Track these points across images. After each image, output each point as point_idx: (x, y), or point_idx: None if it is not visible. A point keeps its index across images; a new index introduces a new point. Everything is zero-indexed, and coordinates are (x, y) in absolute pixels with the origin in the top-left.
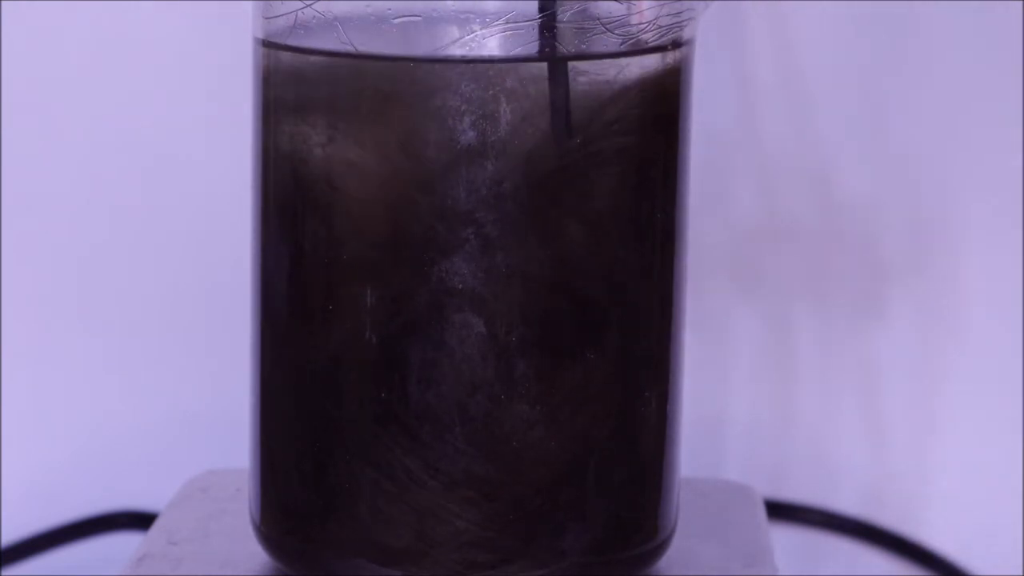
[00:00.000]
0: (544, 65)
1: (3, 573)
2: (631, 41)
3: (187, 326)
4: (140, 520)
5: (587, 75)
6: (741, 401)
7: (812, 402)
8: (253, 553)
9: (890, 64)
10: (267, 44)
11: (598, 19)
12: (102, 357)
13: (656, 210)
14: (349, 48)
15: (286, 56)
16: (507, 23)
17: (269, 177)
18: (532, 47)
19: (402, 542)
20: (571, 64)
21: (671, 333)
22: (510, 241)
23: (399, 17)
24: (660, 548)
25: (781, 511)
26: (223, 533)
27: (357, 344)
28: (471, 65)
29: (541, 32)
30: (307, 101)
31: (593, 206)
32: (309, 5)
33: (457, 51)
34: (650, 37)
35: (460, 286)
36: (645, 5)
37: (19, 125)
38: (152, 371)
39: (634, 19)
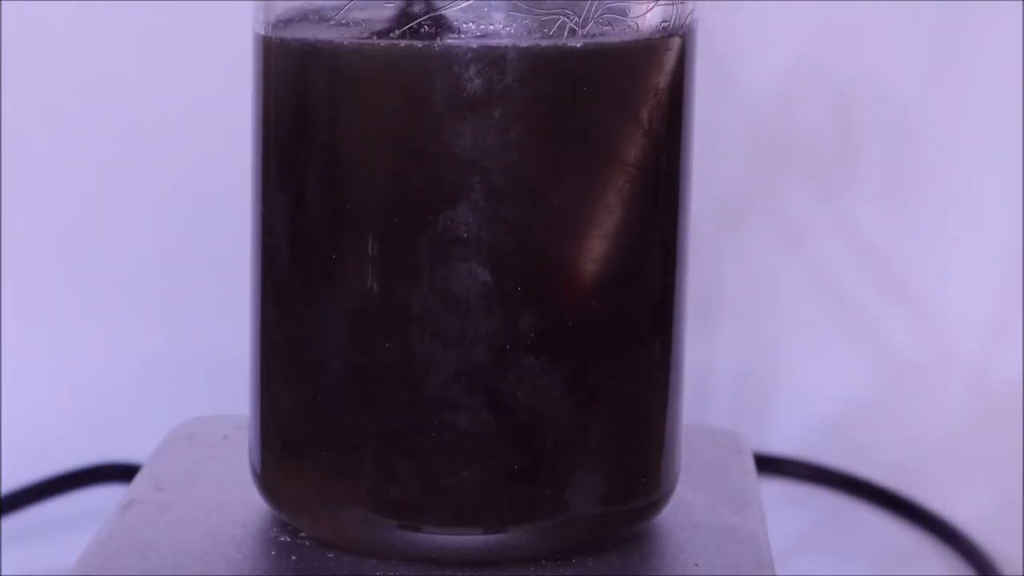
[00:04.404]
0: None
1: None
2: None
3: (171, 275)
4: (124, 472)
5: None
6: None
7: (797, 351)
8: (243, 499)
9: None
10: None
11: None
12: (82, 311)
13: (661, 159)
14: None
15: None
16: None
17: (269, 117)
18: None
19: (406, 494)
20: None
21: (675, 283)
22: (515, 190)
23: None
24: (663, 499)
25: (766, 464)
26: (211, 479)
27: (360, 295)
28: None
29: None
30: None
31: (598, 155)
32: None
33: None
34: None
35: (465, 235)
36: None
37: (13, 96)
38: (134, 324)
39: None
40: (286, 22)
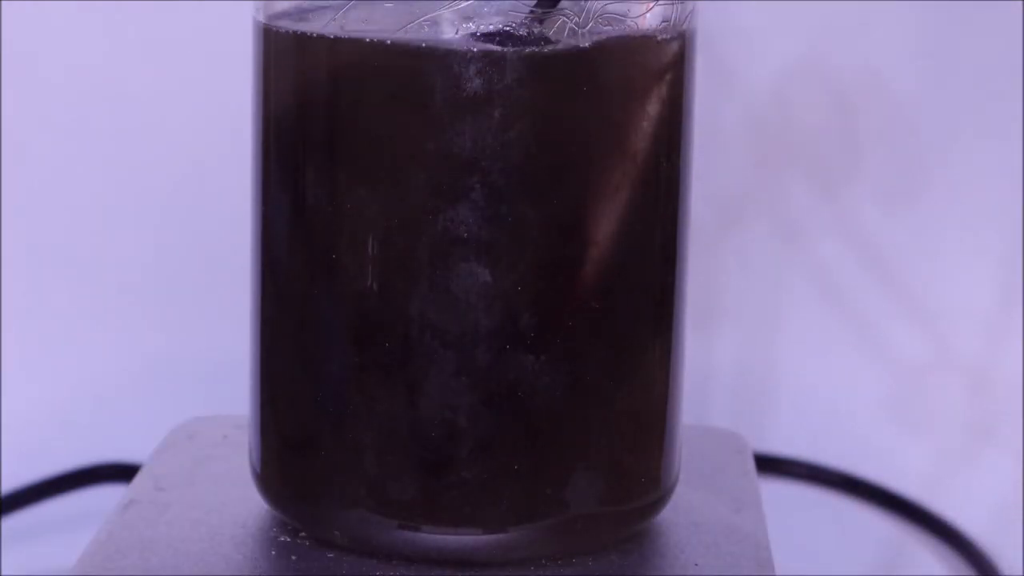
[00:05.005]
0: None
1: None
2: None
3: (171, 275)
4: (124, 472)
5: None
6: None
7: (798, 352)
8: (243, 499)
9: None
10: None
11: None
12: (82, 311)
13: (661, 158)
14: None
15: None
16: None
17: (270, 119)
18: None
19: (405, 494)
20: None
21: (675, 283)
22: (515, 190)
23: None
24: (663, 499)
25: (766, 464)
26: (211, 479)
27: (360, 294)
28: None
29: None
30: (310, 61)
31: (598, 155)
32: None
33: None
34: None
35: (465, 235)
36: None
37: (13, 96)
38: (134, 324)
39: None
40: (287, 15)
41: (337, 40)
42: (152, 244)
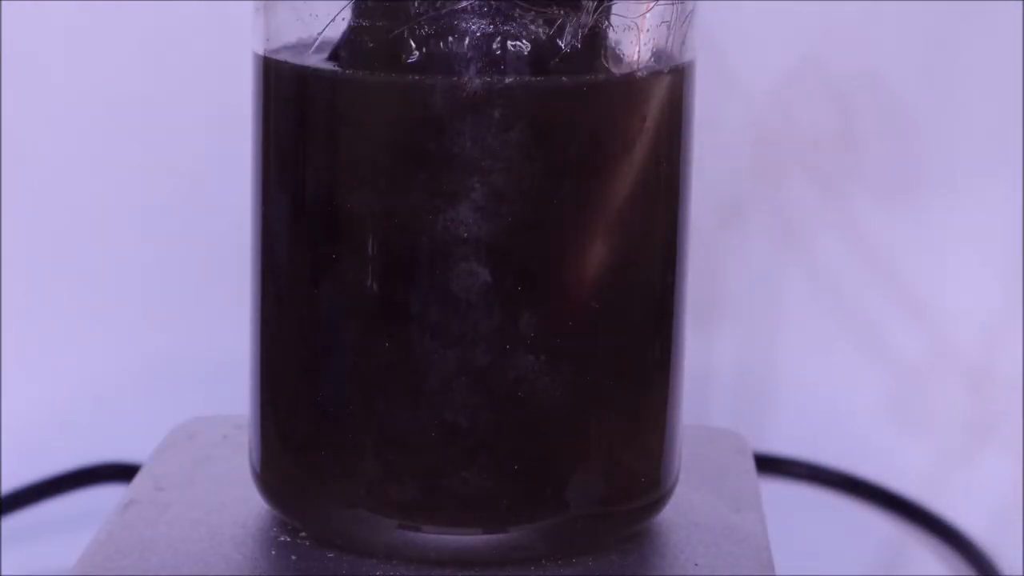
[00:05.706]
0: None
1: None
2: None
3: (171, 275)
4: (124, 472)
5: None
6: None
7: (798, 352)
8: (243, 499)
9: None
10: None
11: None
12: (82, 311)
13: (661, 159)
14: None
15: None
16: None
17: (270, 122)
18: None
19: (406, 494)
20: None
21: (675, 283)
22: (515, 190)
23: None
24: (663, 499)
25: (766, 464)
26: (211, 479)
27: (360, 295)
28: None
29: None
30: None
31: (598, 155)
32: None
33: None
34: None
35: (465, 235)
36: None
37: (13, 96)
38: (134, 324)
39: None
40: (284, 48)
41: (334, 73)
42: (152, 244)
